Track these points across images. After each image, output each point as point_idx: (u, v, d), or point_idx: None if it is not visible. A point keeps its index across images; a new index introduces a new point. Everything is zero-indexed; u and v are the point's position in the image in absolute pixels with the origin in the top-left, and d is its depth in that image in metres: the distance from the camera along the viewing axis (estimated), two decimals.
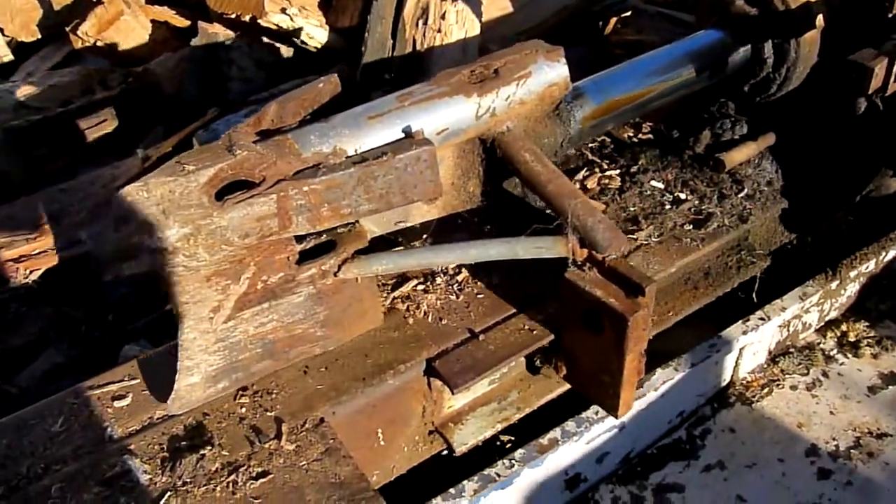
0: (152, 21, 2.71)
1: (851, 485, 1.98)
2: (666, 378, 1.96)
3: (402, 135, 1.52)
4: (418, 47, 2.31)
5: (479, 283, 1.73)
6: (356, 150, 1.48)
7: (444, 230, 1.79)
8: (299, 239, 1.47)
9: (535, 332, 1.63)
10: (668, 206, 1.91)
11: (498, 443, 1.83)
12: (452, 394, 1.55)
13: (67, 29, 2.68)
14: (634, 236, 1.83)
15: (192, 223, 1.31)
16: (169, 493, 1.34)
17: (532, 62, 1.70)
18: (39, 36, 3.05)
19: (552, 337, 1.65)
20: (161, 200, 1.28)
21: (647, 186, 1.96)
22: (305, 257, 1.48)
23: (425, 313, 1.66)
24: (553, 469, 1.86)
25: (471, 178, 1.75)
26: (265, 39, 2.48)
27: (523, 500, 1.81)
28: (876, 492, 1.96)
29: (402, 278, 1.75)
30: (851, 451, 2.05)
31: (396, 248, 1.75)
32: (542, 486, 1.86)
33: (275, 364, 1.55)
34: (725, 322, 2.10)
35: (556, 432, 1.82)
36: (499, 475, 1.73)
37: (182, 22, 2.75)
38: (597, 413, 1.88)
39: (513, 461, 1.76)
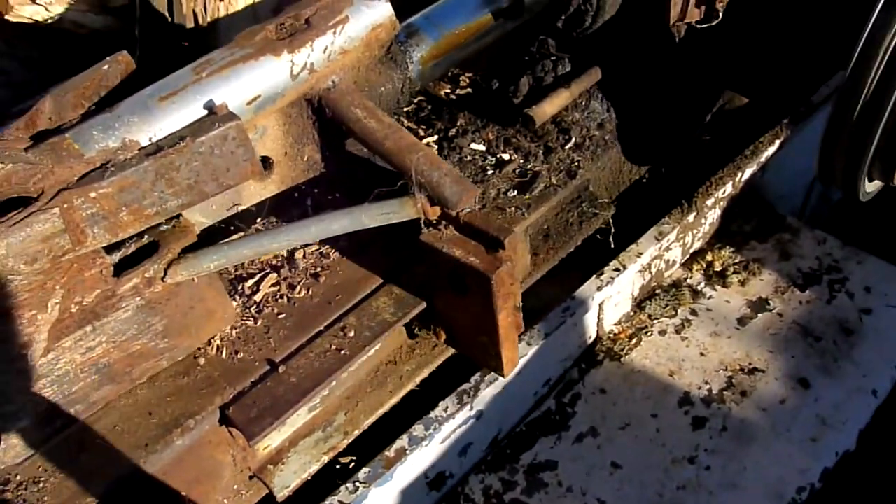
0: None
1: (727, 430, 1.89)
2: (519, 356, 1.80)
3: (205, 112, 1.33)
4: (200, 22, 2.01)
5: (280, 300, 1.51)
6: (150, 140, 1.29)
7: (287, 206, 1.61)
8: (110, 249, 1.28)
9: (343, 353, 1.43)
10: (490, 171, 1.71)
11: (338, 466, 1.65)
12: (250, 446, 1.34)
13: None
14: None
15: None
16: None
17: (348, 5, 1.49)
18: None
19: (423, 305, 1.51)
20: None
21: (466, 151, 1.75)
22: (124, 266, 1.30)
23: (218, 348, 1.44)
24: (408, 477, 1.70)
25: (306, 145, 1.56)
26: (27, 35, 2.14)
27: None
28: (751, 433, 1.87)
29: None
30: (724, 392, 1.95)
31: (228, 239, 1.52)
32: (402, 496, 1.71)
33: (118, 388, 1.38)
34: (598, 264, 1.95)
35: (403, 440, 1.65)
36: (342, 502, 1.56)
37: None
38: (446, 410, 1.71)
39: (357, 483, 1.59)
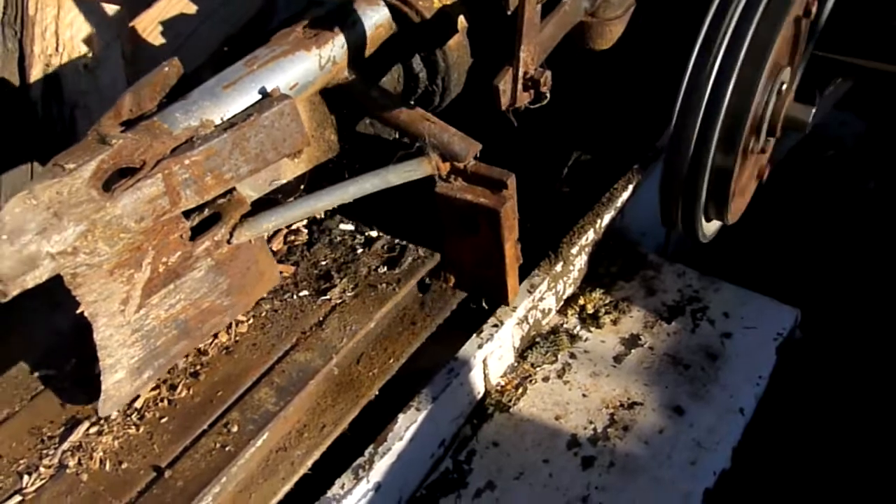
0: None
1: (614, 465, 1.99)
2: (409, 422, 1.86)
3: (260, 96, 1.54)
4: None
5: (161, 404, 1.52)
6: (222, 119, 1.49)
7: (316, 180, 1.79)
8: (187, 216, 1.49)
9: (228, 449, 1.45)
10: (360, 251, 1.78)
11: None
12: None
13: None
14: (328, 296, 1.69)
15: (86, 219, 1.30)
16: None
17: (358, 7, 1.74)
18: None
19: (438, 257, 1.82)
20: (51, 203, 1.26)
21: (336, 232, 1.82)
22: (196, 233, 1.51)
23: (101, 461, 1.44)
24: None
25: (327, 128, 1.77)
26: None
27: None
28: (636, 465, 1.98)
29: (72, 424, 1.50)
30: (608, 429, 2.06)
31: (279, 205, 1.69)
32: None
33: (192, 342, 1.61)
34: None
35: None
36: None
37: None
38: (343, 487, 1.74)
39: None
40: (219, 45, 2.30)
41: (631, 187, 2.37)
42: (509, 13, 1.51)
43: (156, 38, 2.21)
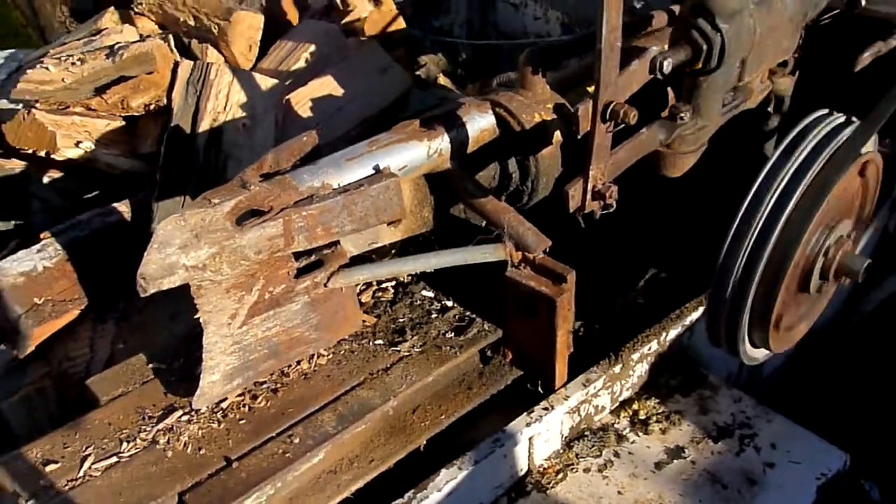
0: None
1: None
2: (449, 478, 2.05)
3: (373, 171, 1.86)
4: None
5: (242, 408, 1.81)
6: (339, 185, 1.82)
7: (406, 249, 2.15)
8: (296, 258, 1.80)
9: (287, 456, 1.70)
10: (434, 315, 2.04)
11: None
12: None
13: None
14: (398, 348, 1.94)
15: (218, 244, 1.62)
16: None
17: (467, 114, 2.05)
18: None
19: (500, 333, 2.05)
20: (195, 227, 1.60)
21: (417, 296, 2.09)
22: (300, 273, 1.81)
23: (185, 444, 1.72)
24: None
25: (425, 206, 2.06)
26: (69, 170, 2.56)
27: None
28: None
29: (169, 410, 1.80)
30: None
31: (371, 262, 2.02)
32: None
33: (278, 363, 1.88)
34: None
35: None
36: None
37: None
38: None
39: None
40: (357, 124, 2.68)
41: (701, 309, 2.52)
42: (579, 137, 1.76)
43: (305, 111, 2.62)
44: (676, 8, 2.00)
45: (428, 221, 2.04)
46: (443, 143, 1.96)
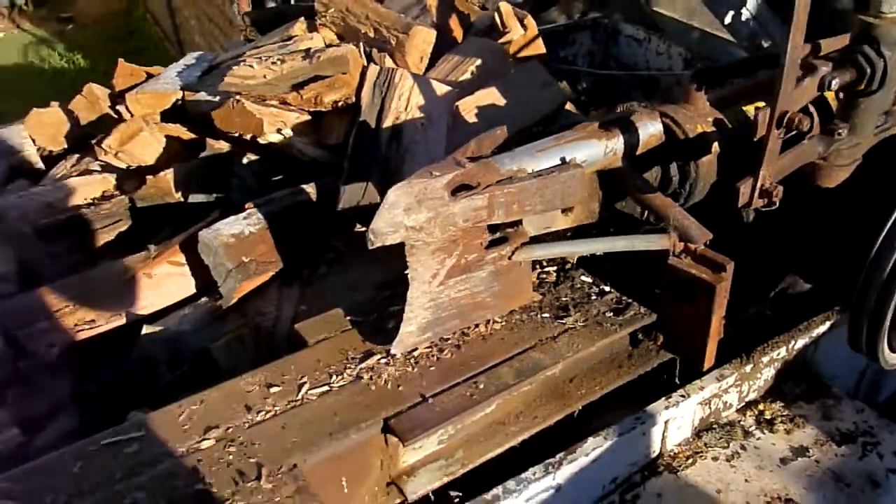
0: (166, 136, 3.14)
1: None
2: (596, 445, 2.27)
3: (559, 162, 2.15)
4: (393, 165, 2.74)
5: (431, 358, 2.08)
6: (532, 170, 2.10)
7: (575, 237, 2.38)
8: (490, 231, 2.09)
9: (473, 398, 1.96)
10: (594, 297, 2.28)
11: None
12: (404, 445, 1.87)
13: (93, 142, 3.11)
14: (564, 321, 2.19)
15: (434, 210, 1.91)
16: None
17: (639, 120, 2.33)
18: (65, 146, 3.48)
19: (654, 316, 2.26)
20: (418, 194, 1.88)
21: (577, 280, 2.34)
22: (490, 246, 2.08)
23: (385, 381, 2.00)
24: None
25: (593, 199, 2.34)
26: (263, 153, 2.92)
27: None
28: None
29: (368, 354, 2.09)
30: None
31: (549, 242, 2.27)
32: None
33: (461, 323, 2.14)
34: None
35: (498, 490, 2.12)
36: None
37: (190, 136, 3.19)
38: (534, 474, 2.18)
39: None
40: (516, 132, 2.96)
41: (828, 324, 2.69)
42: (755, 140, 1.99)
43: (471, 117, 2.92)
44: None
45: (594, 213, 2.30)
46: (618, 143, 2.22)
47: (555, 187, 2.03)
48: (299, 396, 1.96)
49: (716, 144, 2.28)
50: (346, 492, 1.92)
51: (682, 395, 2.45)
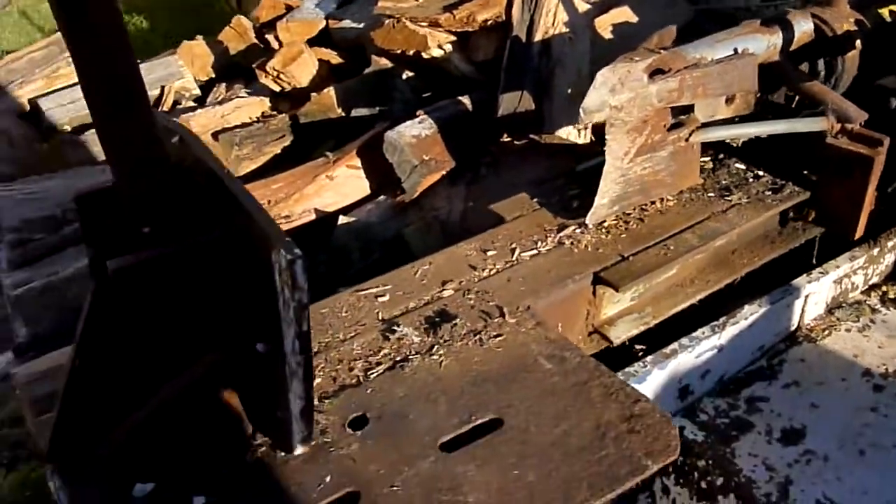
0: (318, 59, 3.43)
1: None
2: (751, 311, 2.56)
3: (732, 52, 2.42)
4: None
5: (619, 228, 2.38)
6: (711, 59, 2.36)
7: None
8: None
9: (667, 255, 2.26)
10: (751, 180, 2.56)
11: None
12: (617, 291, 2.16)
13: (255, 65, 3.39)
14: (729, 199, 2.48)
15: (635, 91, 2.16)
16: (436, 346, 1.95)
17: (794, 19, 2.62)
18: (212, 75, 3.77)
19: (808, 194, 2.51)
20: (621, 76, 2.14)
21: (733, 167, 2.62)
22: (671, 128, 2.34)
23: (585, 246, 2.30)
24: (671, 377, 2.45)
25: (751, 91, 2.51)
26: (418, 70, 3.20)
27: (653, 397, 2.40)
28: None
29: (562, 226, 2.39)
30: None
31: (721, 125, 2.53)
32: (664, 390, 2.45)
33: (642, 199, 2.41)
34: None
35: (674, 345, 2.42)
36: (636, 372, 2.32)
37: (338, 60, 3.48)
38: (703, 333, 2.47)
39: (645, 363, 2.36)
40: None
41: None
42: None
43: (607, 34, 3.19)
44: None
45: (751, 105, 2.57)
46: (777, 38, 2.49)
47: (733, 73, 2.30)
48: (514, 258, 2.26)
49: (858, 42, 2.54)
50: (561, 334, 2.22)
51: (821, 272, 2.73)
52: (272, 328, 1.39)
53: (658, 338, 2.44)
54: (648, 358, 2.36)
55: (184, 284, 1.39)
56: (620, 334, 2.27)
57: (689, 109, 2.41)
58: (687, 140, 2.38)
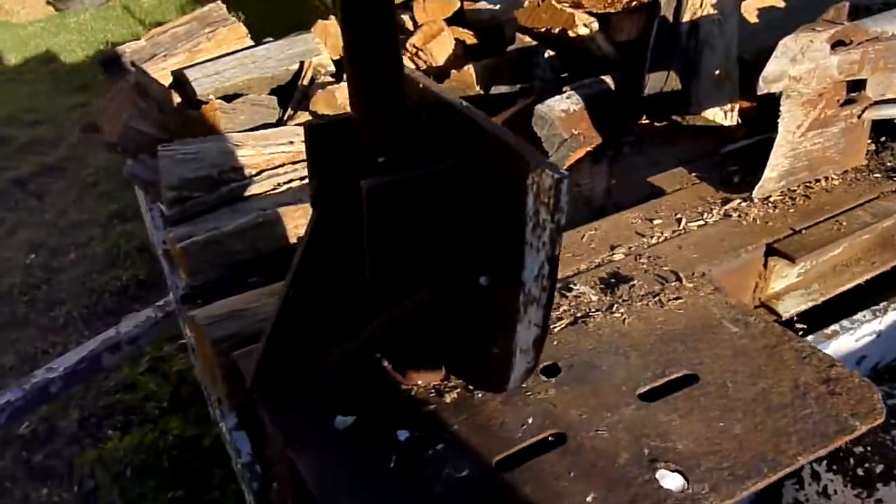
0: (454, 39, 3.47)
1: None
2: None
3: None
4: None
5: (786, 203, 2.34)
6: (892, 33, 2.30)
7: None
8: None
9: (840, 231, 2.22)
10: None
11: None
12: (793, 262, 2.13)
13: None
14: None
15: (815, 62, 2.14)
16: (616, 304, 1.95)
17: None
18: None
19: None
20: (802, 46, 2.13)
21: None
22: (843, 104, 2.30)
23: (753, 219, 2.27)
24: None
25: None
26: (559, 49, 3.21)
27: None
28: None
29: (726, 200, 2.37)
30: None
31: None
32: None
33: (809, 175, 2.38)
34: None
35: (835, 326, 2.37)
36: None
37: (473, 41, 3.51)
38: (864, 316, 2.42)
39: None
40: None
41: None
42: None
43: (752, 17, 3.15)
44: None
45: None
46: None
47: None
48: (681, 227, 2.25)
49: None
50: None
51: None
52: (503, 258, 1.41)
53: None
54: (809, 338, 2.31)
55: (419, 212, 1.42)
56: (789, 309, 2.23)
57: (858, 87, 2.36)
58: (859, 117, 2.33)
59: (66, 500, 4.06)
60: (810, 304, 2.27)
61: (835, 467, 2.38)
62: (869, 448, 2.34)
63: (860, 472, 2.34)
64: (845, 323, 2.38)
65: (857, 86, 2.36)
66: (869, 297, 2.43)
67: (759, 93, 2.15)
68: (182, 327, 3.08)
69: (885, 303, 2.46)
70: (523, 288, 1.37)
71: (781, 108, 2.22)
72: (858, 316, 2.41)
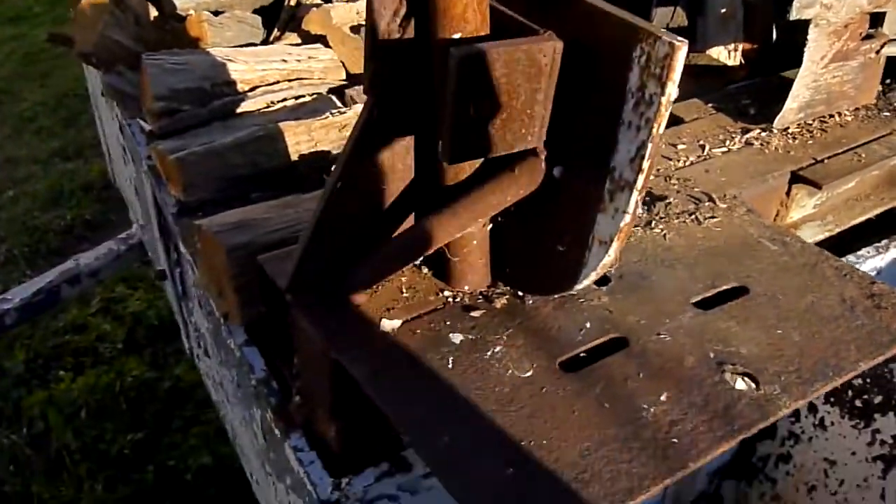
0: None
1: None
2: None
3: None
4: None
5: (805, 136, 2.34)
6: None
7: None
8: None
9: (859, 161, 2.24)
10: None
11: None
12: (819, 189, 2.13)
13: None
14: None
15: None
16: (654, 221, 1.91)
17: None
18: None
19: None
20: None
21: None
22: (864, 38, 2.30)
23: (775, 147, 2.26)
24: None
25: None
26: None
27: None
28: None
29: (746, 129, 2.35)
30: None
31: None
32: None
33: (826, 109, 2.37)
34: None
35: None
36: None
37: None
38: (868, 252, 2.45)
39: None
40: None
41: None
42: None
43: None
44: None
45: None
46: None
47: None
48: (705, 153, 2.23)
49: None
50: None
51: None
52: (586, 145, 1.34)
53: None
54: None
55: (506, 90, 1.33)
56: (808, 237, 2.24)
57: (875, 25, 2.38)
58: (878, 52, 2.34)
59: (15, 442, 3.83)
60: (827, 233, 2.29)
61: (832, 399, 2.42)
62: (868, 380, 2.39)
63: (858, 403, 2.38)
64: (851, 258, 2.41)
65: (874, 23, 2.37)
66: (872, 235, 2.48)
67: (790, 18, 2.13)
68: (167, 251, 2.90)
69: (886, 240, 2.51)
70: (612, 173, 1.30)
71: (809, 38, 2.21)
72: (863, 251, 2.45)
